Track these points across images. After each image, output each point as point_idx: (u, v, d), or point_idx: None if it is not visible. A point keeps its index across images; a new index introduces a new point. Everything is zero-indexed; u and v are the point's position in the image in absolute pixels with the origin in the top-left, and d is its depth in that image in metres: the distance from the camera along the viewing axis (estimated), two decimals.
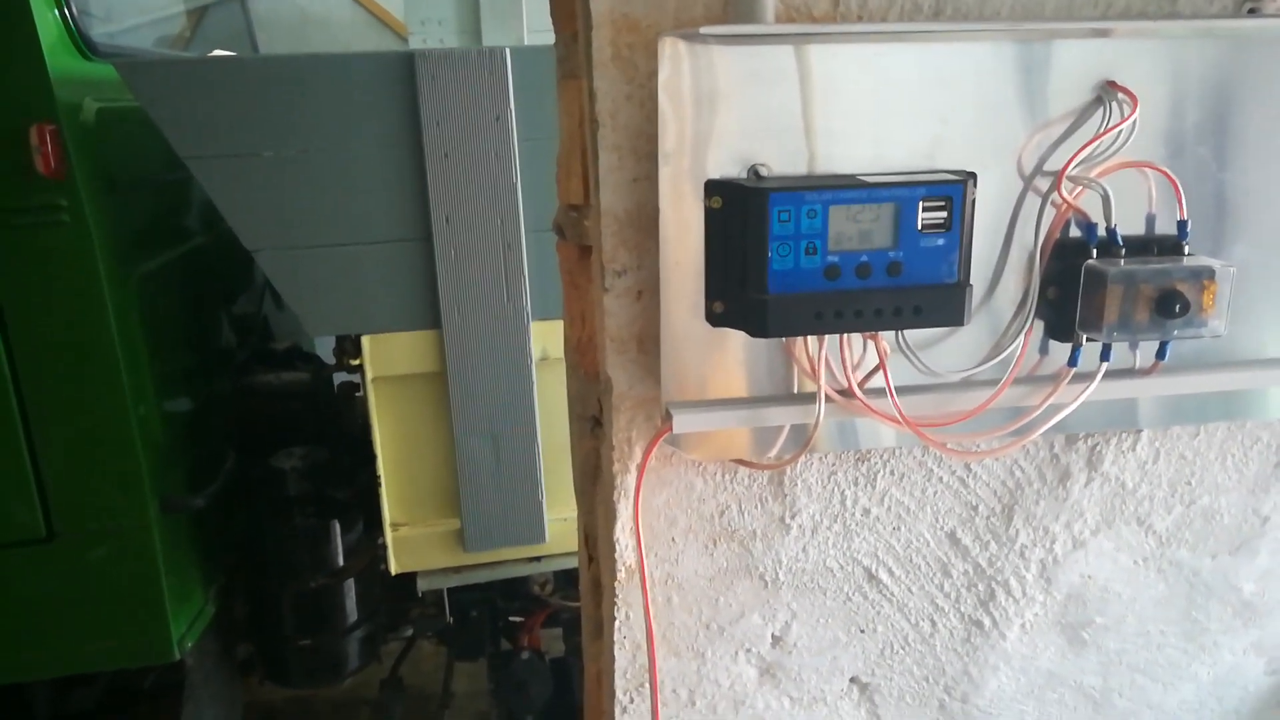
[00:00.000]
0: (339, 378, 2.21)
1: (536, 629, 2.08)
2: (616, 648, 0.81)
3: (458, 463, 1.70)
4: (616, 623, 0.81)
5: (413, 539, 1.76)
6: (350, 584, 1.86)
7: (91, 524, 1.57)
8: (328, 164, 1.53)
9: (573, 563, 1.86)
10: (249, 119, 1.49)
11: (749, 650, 0.83)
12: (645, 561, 0.79)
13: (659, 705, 0.82)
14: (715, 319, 0.69)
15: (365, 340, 1.65)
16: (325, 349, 2.31)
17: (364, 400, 2.10)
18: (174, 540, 1.66)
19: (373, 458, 2.07)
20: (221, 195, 1.54)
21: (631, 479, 0.77)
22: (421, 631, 2.00)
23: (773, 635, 0.83)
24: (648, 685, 0.82)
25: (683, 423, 0.70)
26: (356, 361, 1.66)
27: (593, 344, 0.80)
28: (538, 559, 1.83)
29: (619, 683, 0.82)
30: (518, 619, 2.17)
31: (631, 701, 0.83)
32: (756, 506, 0.79)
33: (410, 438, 1.72)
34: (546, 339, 1.69)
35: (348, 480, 1.94)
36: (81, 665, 1.67)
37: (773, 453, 0.73)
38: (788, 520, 0.80)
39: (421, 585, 1.81)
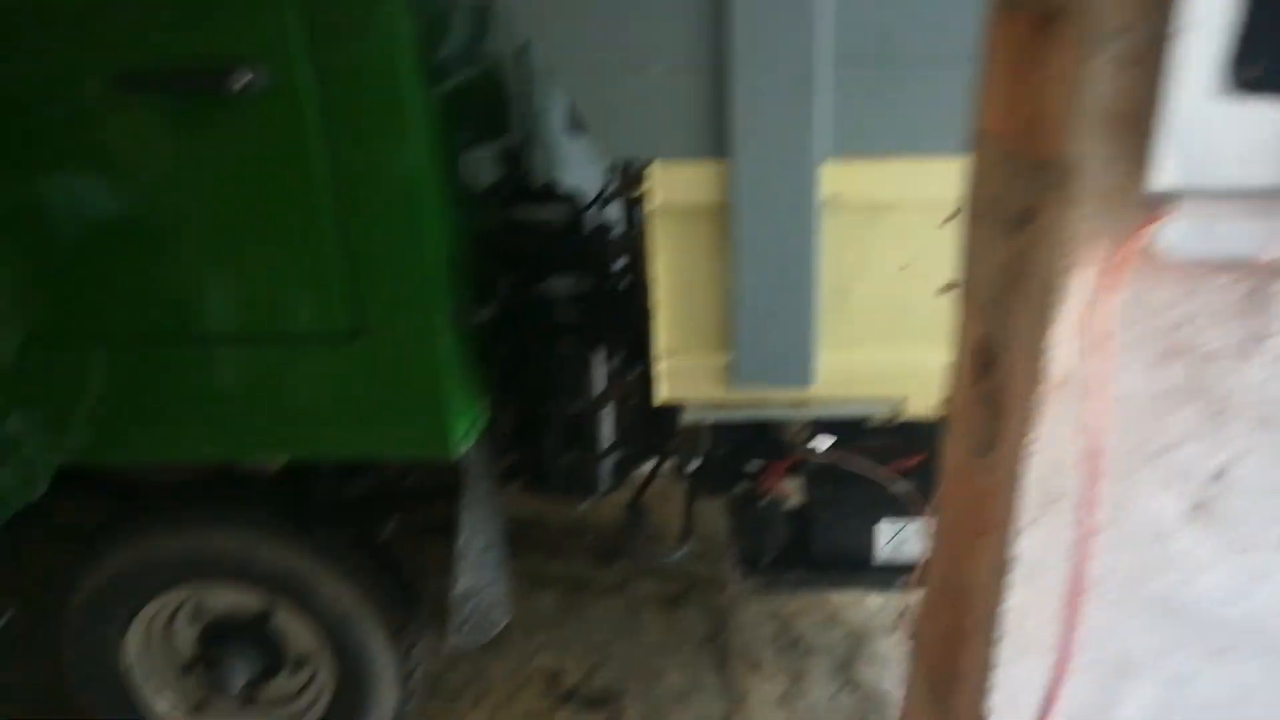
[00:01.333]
0: (593, 216, 2.24)
1: (779, 475, 2.10)
2: (1031, 462, 0.77)
3: (733, 297, 1.69)
4: (1034, 437, 0.77)
5: (680, 370, 1.78)
6: (607, 411, 1.92)
7: (389, 325, 1.67)
8: None
9: (837, 410, 1.85)
10: None
11: (1182, 482, 0.78)
12: (1081, 374, 0.74)
13: (1078, 525, 0.78)
14: (1248, 86, 0.59)
15: (654, 166, 1.63)
16: (582, 183, 2.34)
17: (631, 233, 2.12)
18: (458, 350, 1.74)
19: (629, 292, 2.11)
20: (530, 16, 1.53)
21: (1082, 279, 0.71)
22: (672, 462, 2.06)
23: (1214, 470, 0.77)
24: (1057, 505, 0.79)
25: (1180, 215, 0.63)
26: (641, 189, 1.65)
27: (1041, 127, 0.74)
28: (803, 403, 1.82)
29: (1025, 500, 0.79)
30: (758, 464, 2.20)
31: (1035, 521, 0.80)
32: (1224, 323, 0.72)
33: (687, 269, 1.71)
34: (838, 179, 1.62)
35: (610, 311, 1.98)
36: (370, 453, 1.82)
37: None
38: (1258, 343, 0.72)
39: (684, 418, 1.85)
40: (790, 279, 1.66)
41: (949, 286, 1.72)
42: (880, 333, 1.75)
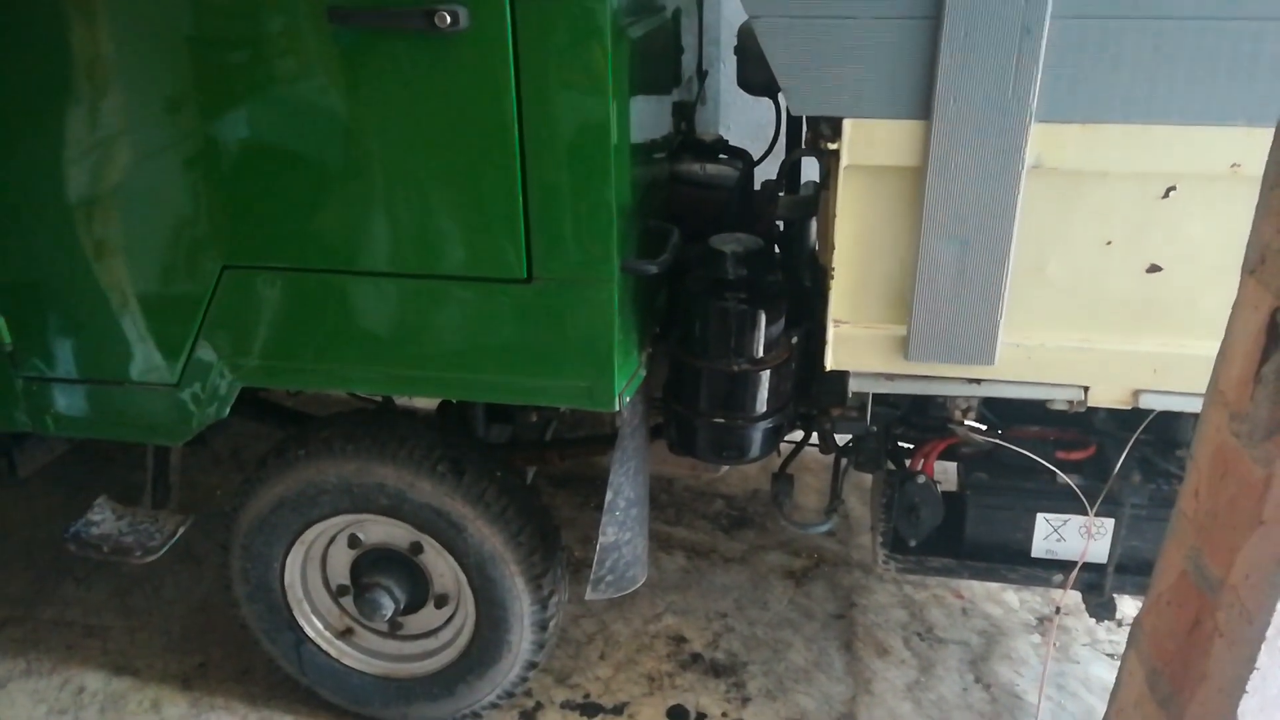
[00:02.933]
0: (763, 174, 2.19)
1: (934, 456, 2.03)
2: None
3: (918, 266, 1.62)
4: None
5: (853, 338, 1.72)
6: (767, 374, 1.87)
7: (563, 273, 1.66)
8: None
9: (1014, 393, 1.76)
10: None
11: None
12: None
13: None
14: None
15: (847, 124, 1.57)
16: (744, 143, 2.30)
17: (805, 193, 2.07)
18: (625, 301, 1.73)
19: (798, 253, 2.06)
20: None
21: None
22: (834, 434, 2.01)
23: None
24: None
25: None
26: (833, 146, 1.59)
27: None
28: (978, 382, 1.74)
29: None
30: (906, 444, 2.13)
31: None
32: None
33: (870, 234, 1.65)
34: (1045, 144, 1.52)
35: (777, 271, 1.94)
36: (535, 398, 1.83)
37: None
38: None
39: (853, 386, 1.80)
40: (982, 251, 1.58)
41: (1154, 268, 1.61)
42: (1072, 314, 1.65)
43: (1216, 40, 1.40)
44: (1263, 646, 0.74)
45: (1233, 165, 1.48)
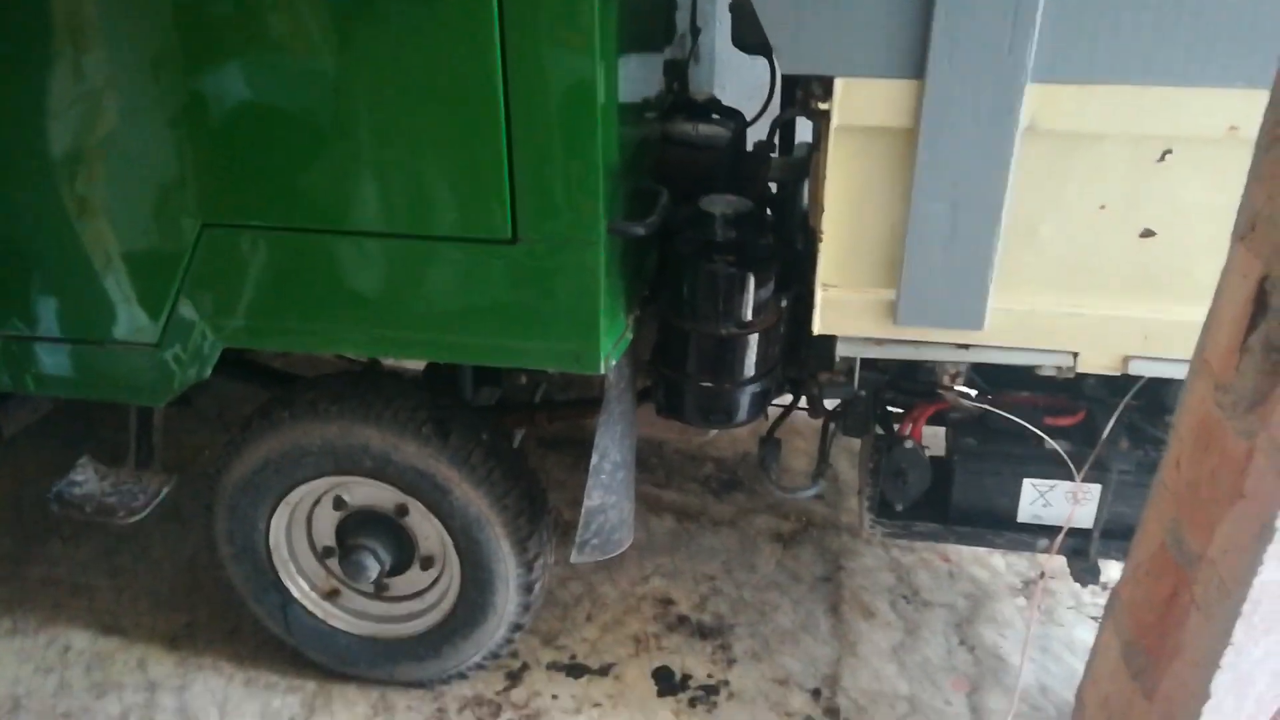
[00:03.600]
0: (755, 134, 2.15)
1: (922, 421, 2.02)
2: None
3: (908, 229, 1.60)
4: None
5: (842, 302, 1.70)
6: (755, 338, 1.86)
7: (549, 234, 1.64)
8: None
9: (1003, 358, 1.74)
10: None
11: None
12: None
13: None
14: None
15: (838, 83, 1.53)
16: (739, 103, 2.25)
17: (796, 154, 2.03)
18: (611, 263, 1.70)
19: (788, 215, 2.02)
20: None
21: None
22: (823, 398, 2.00)
23: None
24: None
25: None
26: (824, 106, 1.56)
27: None
28: (966, 347, 1.72)
29: None
30: (895, 409, 2.12)
31: None
32: None
33: (860, 196, 1.62)
34: (1041, 105, 1.49)
35: (767, 233, 1.91)
36: (521, 360, 1.81)
37: None
38: None
39: (840, 351, 1.78)
40: (974, 212, 1.56)
41: (1148, 233, 1.59)
42: (1064, 278, 1.63)
43: (1216, 1, 1.36)
44: (1238, 622, 0.73)
45: (1230, 128, 1.45)
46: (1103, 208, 1.56)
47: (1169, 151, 1.50)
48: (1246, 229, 0.76)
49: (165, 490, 2.07)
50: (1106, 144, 1.51)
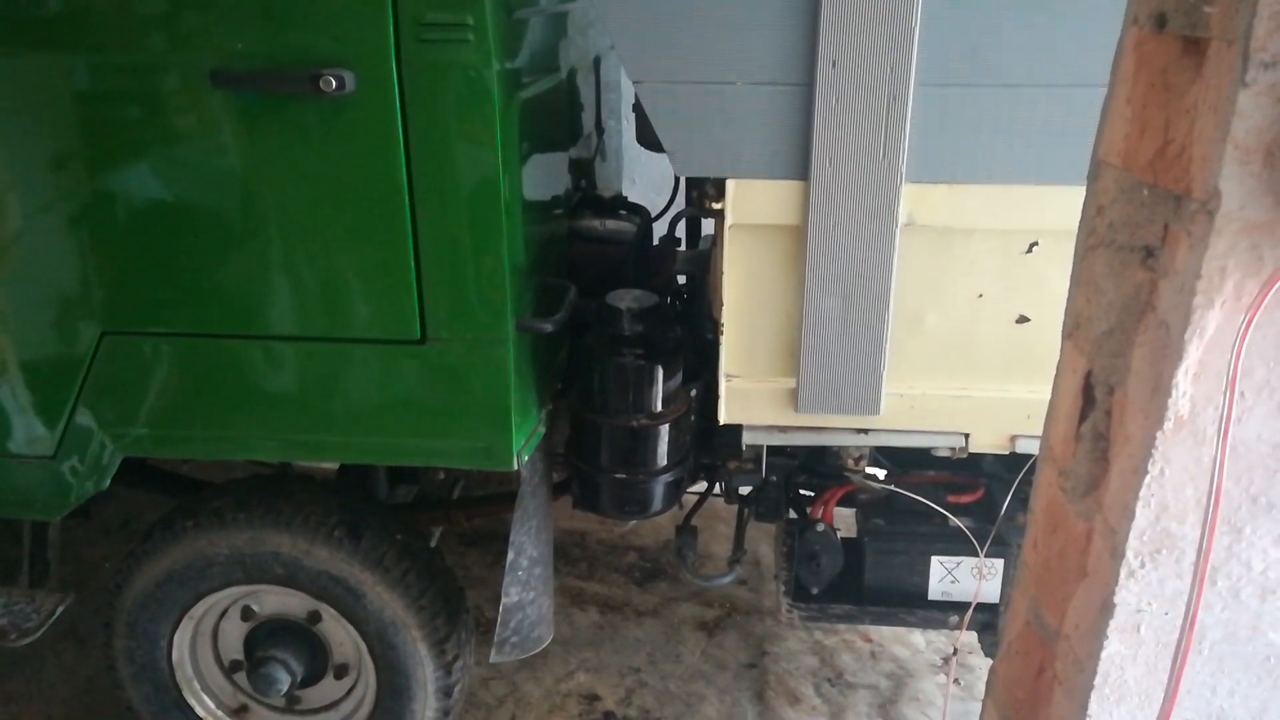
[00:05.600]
0: (660, 231, 2.23)
1: (832, 504, 2.07)
2: (1140, 505, 0.74)
3: (803, 321, 1.67)
4: (1146, 479, 0.74)
5: (745, 392, 1.76)
6: (666, 428, 1.89)
7: (458, 332, 1.66)
8: None
9: (899, 441, 1.81)
10: None
11: None
12: (1202, 416, 0.71)
13: (1193, 574, 0.74)
14: None
15: (730, 184, 1.62)
16: (648, 197, 2.34)
17: (699, 250, 2.11)
18: (521, 359, 1.73)
19: (694, 309, 2.09)
20: (617, 23, 1.53)
21: (1214, 316, 0.68)
22: (725, 484, 2.03)
23: None
24: (1165, 551, 0.75)
25: None
26: (718, 206, 1.64)
27: (1178, 156, 0.71)
28: (865, 431, 1.79)
29: (1131, 544, 0.76)
30: (808, 492, 2.17)
31: (1143, 566, 0.76)
32: None
33: (758, 290, 1.70)
34: (917, 203, 1.59)
35: (673, 327, 1.97)
36: (433, 459, 1.81)
37: None
38: None
39: (746, 439, 1.83)
40: (863, 305, 1.64)
41: (1023, 319, 1.69)
42: (950, 363, 1.71)
43: (1047, 105, 1.50)
44: (1092, 694, 0.77)
45: None
46: (980, 296, 1.66)
47: (1035, 244, 1.62)
48: (1072, 328, 0.84)
49: (61, 609, 1.98)
50: (979, 237, 1.62)
